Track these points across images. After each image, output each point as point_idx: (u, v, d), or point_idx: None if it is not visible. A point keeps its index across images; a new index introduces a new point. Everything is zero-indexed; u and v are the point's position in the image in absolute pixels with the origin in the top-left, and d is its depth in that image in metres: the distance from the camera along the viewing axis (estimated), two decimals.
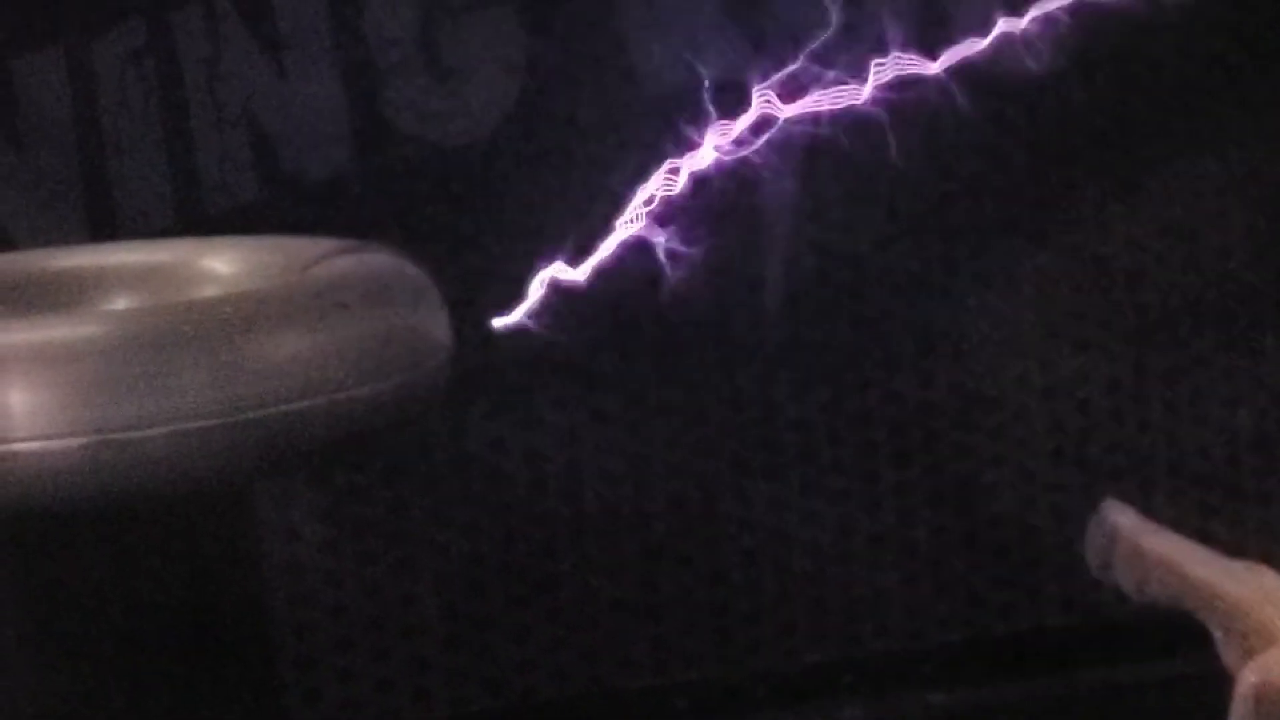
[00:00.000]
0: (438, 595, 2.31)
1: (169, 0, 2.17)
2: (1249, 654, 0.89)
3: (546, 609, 2.34)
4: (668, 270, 1.79)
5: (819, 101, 1.90)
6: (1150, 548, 0.93)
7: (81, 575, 1.58)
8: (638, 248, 1.74)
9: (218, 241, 1.78)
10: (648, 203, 1.71)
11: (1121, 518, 0.95)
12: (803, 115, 2.02)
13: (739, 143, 1.78)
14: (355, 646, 2.30)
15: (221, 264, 1.71)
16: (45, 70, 2.16)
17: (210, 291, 1.66)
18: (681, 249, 1.76)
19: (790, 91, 1.90)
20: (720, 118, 1.76)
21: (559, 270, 1.74)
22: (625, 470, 2.34)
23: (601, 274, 2.08)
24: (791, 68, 1.90)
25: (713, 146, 1.68)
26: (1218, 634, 0.92)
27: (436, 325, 1.60)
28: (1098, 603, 2.42)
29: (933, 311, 2.39)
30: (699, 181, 1.72)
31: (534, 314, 1.72)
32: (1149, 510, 0.99)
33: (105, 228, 2.16)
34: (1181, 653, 2.24)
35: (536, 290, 1.71)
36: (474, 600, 2.32)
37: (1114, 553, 0.94)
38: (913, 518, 2.41)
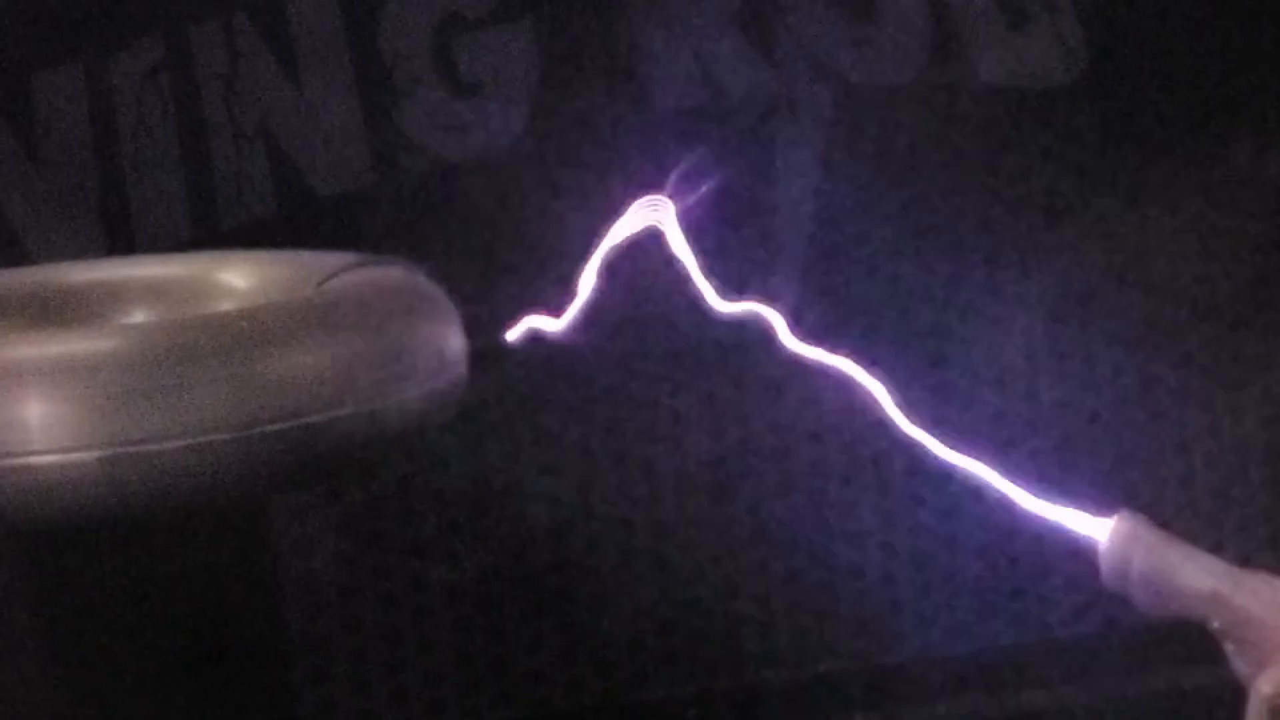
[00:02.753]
0: (451, 608, 2.31)
1: (187, 16, 2.18)
2: (1261, 666, 0.90)
3: (559, 621, 2.34)
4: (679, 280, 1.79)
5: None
6: (1163, 560, 0.94)
7: (97, 588, 1.58)
8: (649, 259, 1.74)
9: (234, 256, 1.79)
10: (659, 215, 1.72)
11: (1135, 530, 0.96)
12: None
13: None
14: (369, 658, 2.30)
15: (238, 278, 1.71)
16: (63, 86, 2.17)
17: (226, 306, 1.66)
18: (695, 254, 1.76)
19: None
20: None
21: (571, 284, 1.74)
22: (638, 482, 2.34)
23: (613, 286, 2.08)
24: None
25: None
26: (1230, 646, 0.92)
27: (451, 339, 1.61)
28: (1108, 614, 2.42)
29: (943, 323, 2.40)
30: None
31: (547, 327, 1.72)
32: (1160, 521, 1.00)
33: (122, 242, 2.17)
34: (1193, 664, 2.24)
35: (549, 304, 1.72)
36: (487, 612, 2.33)
37: (1127, 565, 0.95)
38: (924, 528, 2.41)
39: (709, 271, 1.82)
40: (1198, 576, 0.93)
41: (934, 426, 2.48)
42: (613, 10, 2.25)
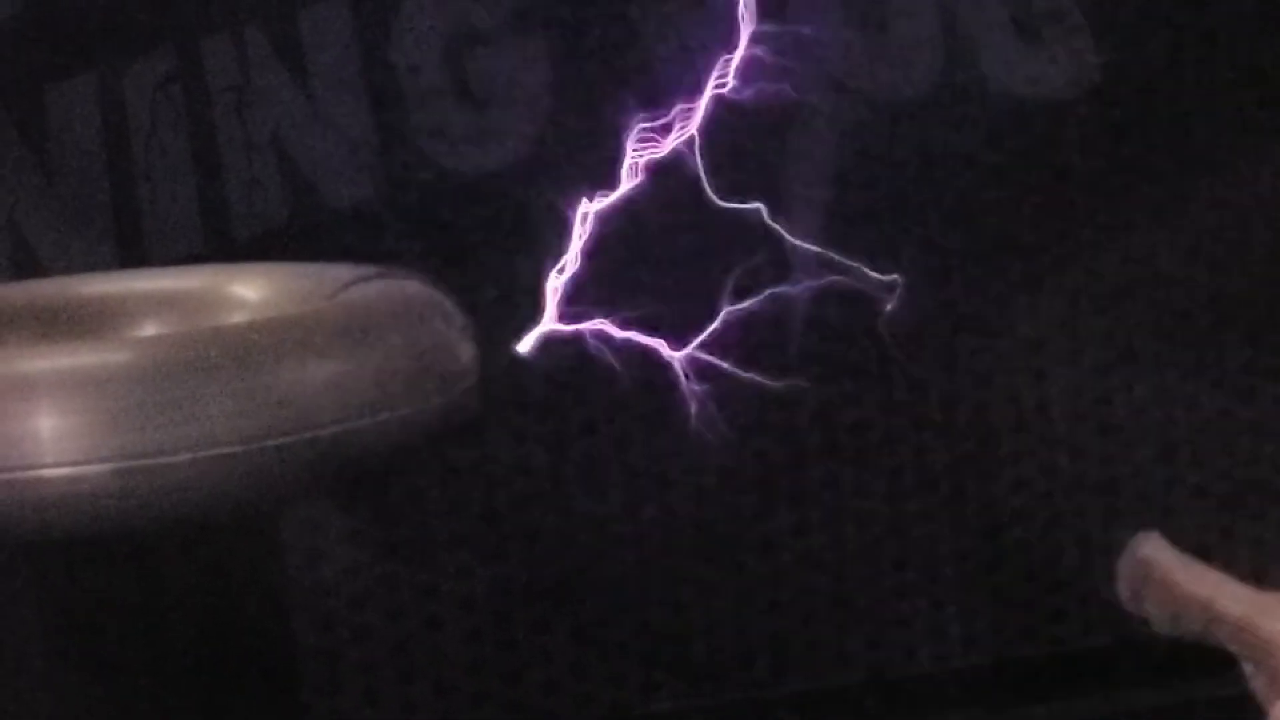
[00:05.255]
0: (462, 619, 2.31)
1: (199, 28, 2.18)
2: (1278, 687, 0.89)
3: (570, 632, 2.34)
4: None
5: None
6: (1181, 582, 0.93)
7: (109, 599, 1.58)
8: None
9: (246, 268, 1.79)
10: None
11: (1153, 552, 0.96)
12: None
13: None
14: (379, 669, 2.30)
15: (249, 290, 1.71)
16: (77, 98, 2.17)
17: (238, 318, 1.66)
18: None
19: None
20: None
21: (584, 294, 1.74)
22: (650, 494, 2.34)
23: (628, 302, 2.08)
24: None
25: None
26: (1248, 667, 0.92)
27: (463, 350, 1.61)
28: (1121, 626, 2.41)
29: (957, 336, 2.40)
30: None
31: (560, 338, 1.72)
32: (1172, 533, 0.99)
33: (135, 254, 2.17)
34: (1207, 676, 2.24)
35: (563, 315, 1.72)
36: (498, 624, 2.33)
37: (1146, 586, 0.95)
38: (936, 541, 2.41)
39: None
40: (1216, 600, 0.93)
41: (945, 438, 2.49)
42: (624, 23, 2.26)
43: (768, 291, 2.28)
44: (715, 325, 1.99)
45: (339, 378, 1.49)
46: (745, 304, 1.92)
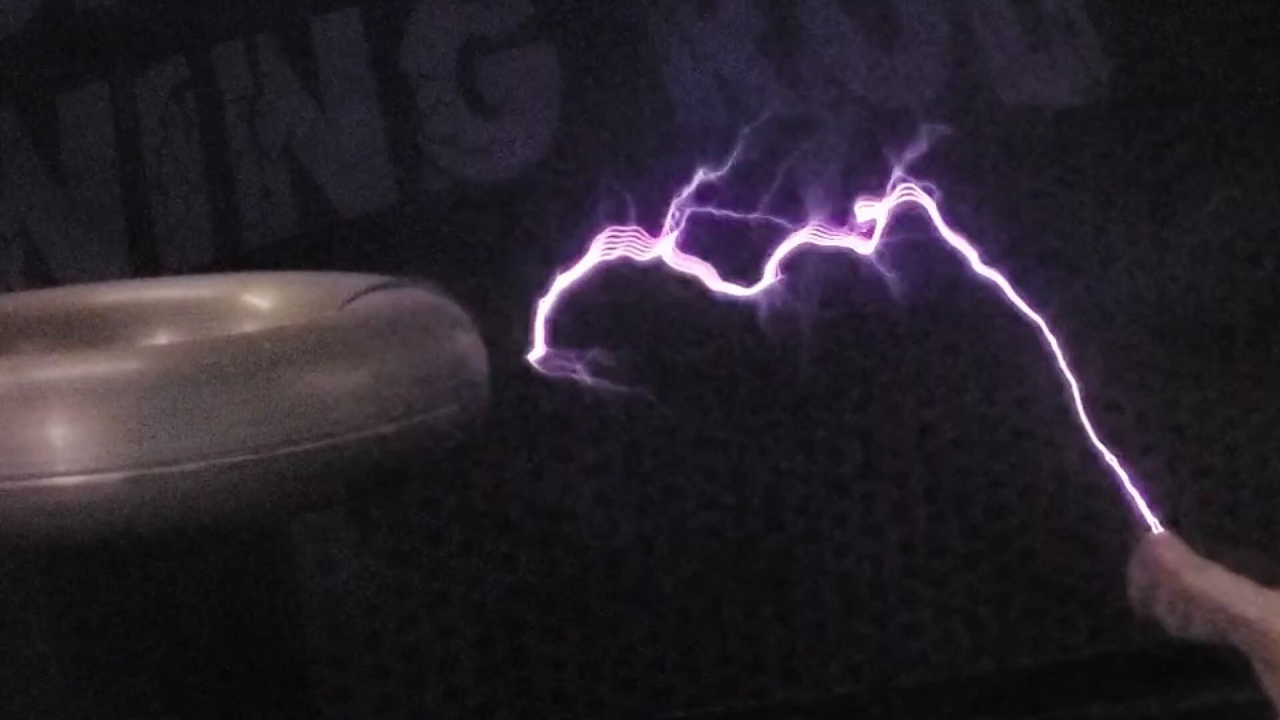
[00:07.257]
0: (473, 626, 2.32)
1: (211, 37, 2.18)
2: None
3: (581, 640, 2.35)
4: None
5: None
6: (1193, 583, 0.93)
7: (121, 608, 1.58)
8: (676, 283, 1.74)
9: (258, 277, 1.79)
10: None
11: (1164, 552, 0.96)
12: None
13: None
14: (390, 676, 2.31)
15: (261, 299, 1.71)
16: (89, 106, 2.17)
17: (250, 327, 1.67)
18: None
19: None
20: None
21: (595, 303, 1.74)
22: (659, 502, 2.34)
23: (639, 309, 2.09)
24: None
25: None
26: (1259, 667, 0.92)
27: (473, 360, 1.61)
28: (1128, 633, 2.41)
29: (966, 343, 2.40)
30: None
31: (568, 347, 1.72)
32: (1180, 536, 0.99)
33: (147, 263, 2.18)
34: (1217, 683, 2.24)
35: (572, 323, 1.71)
36: (509, 631, 2.33)
37: (1157, 588, 0.95)
38: (945, 550, 2.41)
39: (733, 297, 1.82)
40: (1228, 601, 0.93)
41: (954, 446, 2.49)
42: (635, 32, 2.26)
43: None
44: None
45: (350, 386, 1.49)
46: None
